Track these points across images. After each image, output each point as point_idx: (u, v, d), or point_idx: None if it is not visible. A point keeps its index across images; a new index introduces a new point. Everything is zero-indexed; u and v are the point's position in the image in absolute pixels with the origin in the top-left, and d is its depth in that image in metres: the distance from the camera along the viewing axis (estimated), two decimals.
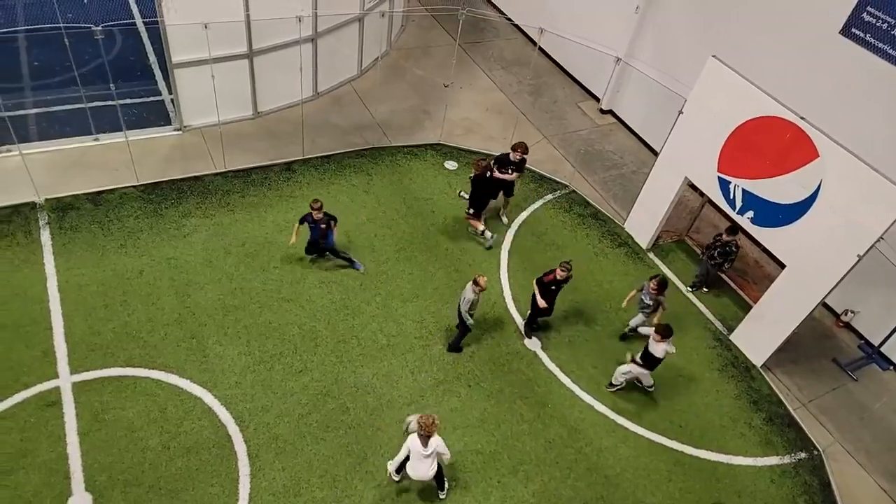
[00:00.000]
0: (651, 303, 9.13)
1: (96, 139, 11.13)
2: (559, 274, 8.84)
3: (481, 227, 10.87)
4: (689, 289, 10.72)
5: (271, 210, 10.74)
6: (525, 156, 10.55)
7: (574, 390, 8.96)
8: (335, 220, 9.62)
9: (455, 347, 9.14)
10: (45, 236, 9.54)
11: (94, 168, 10.71)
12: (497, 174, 10.54)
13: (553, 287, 8.96)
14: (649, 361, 8.45)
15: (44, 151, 10.72)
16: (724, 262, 10.18)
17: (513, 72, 15.15)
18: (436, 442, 6.79)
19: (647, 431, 8.65)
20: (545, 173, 12.50)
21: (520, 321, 9.70)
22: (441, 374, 8.84)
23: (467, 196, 11.02)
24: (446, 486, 7.54)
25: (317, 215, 9.35)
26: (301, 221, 9.49)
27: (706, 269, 10.48)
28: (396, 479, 7.53)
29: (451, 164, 12.27)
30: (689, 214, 11.61)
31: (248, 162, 11.50)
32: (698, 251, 11.35)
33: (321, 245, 9.76)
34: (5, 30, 13.06)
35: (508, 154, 10.58)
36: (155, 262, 9.56)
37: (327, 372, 8.66)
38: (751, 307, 9.94)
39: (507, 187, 10.93)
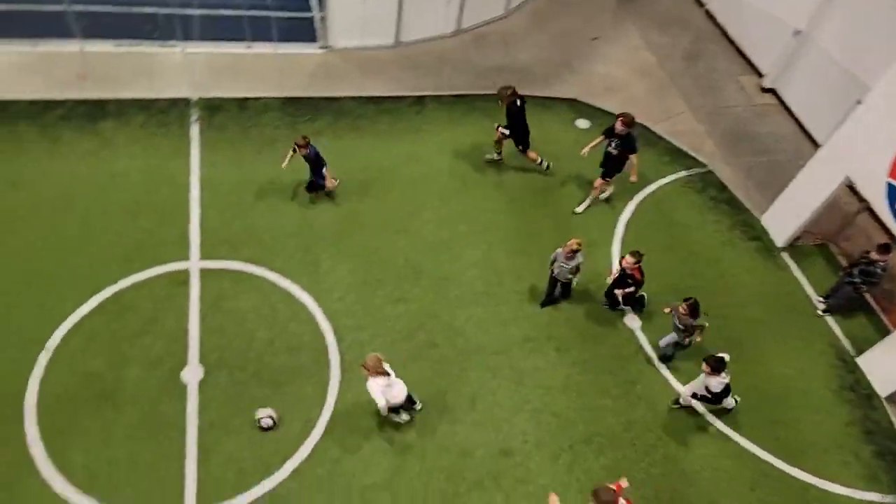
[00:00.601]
0: (682, 326, 8.37)
1: (249, 47, 11.92)
2: (624, 261, 8.51)
3: (537, 157, 10.84)
4: (819, 299, 9.89)
5: (398, 141, 11.09)
6: (630, 130, 9.69)
7: (668, 378, 8.73)
8: (324, 163, 9.59)
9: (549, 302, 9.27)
10: (195, 132, 10.52)
11: (243, 74, 11.53)
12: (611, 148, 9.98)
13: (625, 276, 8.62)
14: (712, 396, 7.87)
15: (202, 52, 11.67)
16: (863, 283, 9.23)
17: (670, 33, 14.20)
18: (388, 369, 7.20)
19: (738, 435, 8.31)
20: (683, 147, 11.82)
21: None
22: (532, 332, 8.94)
23: (506, 130, 10.62)
24: (417, 399, 7.90)
25: (301, 151, 9.32)
26: (293, 150, 9.51)
27: (842, 287, 9.56)
28: (399, 419, 7.84)
29: (582, 123, 11.92)
30: (840, 219, 10.57)
31: (383, 90, 11.86)
32: (841, 262, 10.38)
33: (314, 182, 9.82)
34: None
35: (614, 125, 9.85)
36: (285, 172, 10.28)
37: (424, 306, 9.04)
38: (889, 332, 9.04)
39: (611, 164, 10.14)
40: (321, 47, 12.37)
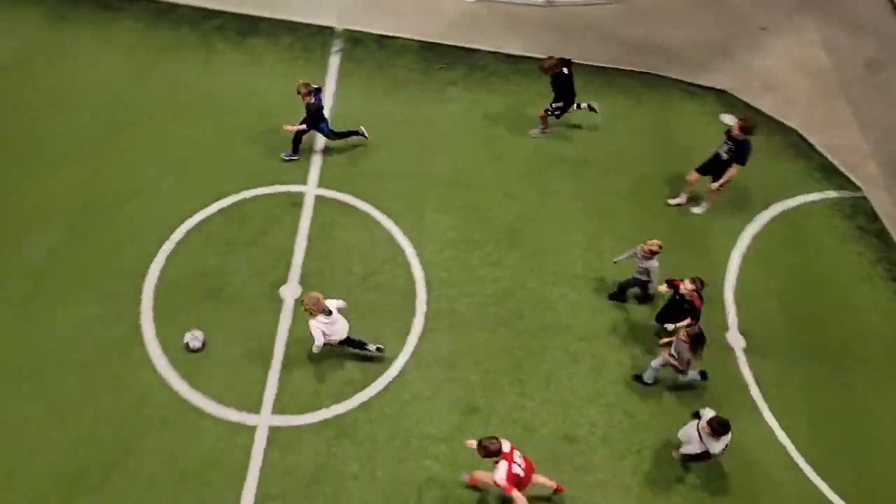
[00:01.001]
0: (675, 354, 7.50)
1: None
2: (682, 285, 7.69)
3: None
4: None
5: (527, 105, 10.84)
6: (748, 138, 8.78)
7: (761, 407, 8.15)
8: (325, 120, 9.33)
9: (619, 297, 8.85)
10: (335, 61, 10.85)
11: (389, 13, 11.66)
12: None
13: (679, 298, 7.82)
14: (704, 455, 7.12)
15: None
16: None
17: (857, 36, 12.65)
18: (334, 304, 7.27)
19: (825, 485, 7.65)
20: (838, 164, 10.67)
21: (732, 312, 8.89)
22: (622, 326, 8.63)
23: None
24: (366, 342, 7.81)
25: (305, 99, 8.97)
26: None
27: None
28: (370, 351, 7.89)
29: (728, 119, 11.02)
30: None
31: (522, 49, 11.57)
32: None
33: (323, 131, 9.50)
34: None
35: (731, 128, 8.99)
36: (411, 117, 10.41)
37: (518, 274, 8.97)
38: None
39: (714, 166, 9.28)
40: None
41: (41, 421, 7.04)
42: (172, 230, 8.61)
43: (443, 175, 9.89)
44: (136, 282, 8.14)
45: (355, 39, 11.19)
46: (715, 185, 9.38)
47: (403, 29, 11.45)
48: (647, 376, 8.09)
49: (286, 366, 7.87)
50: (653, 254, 8.06)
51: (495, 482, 6.22)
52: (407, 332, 8.31)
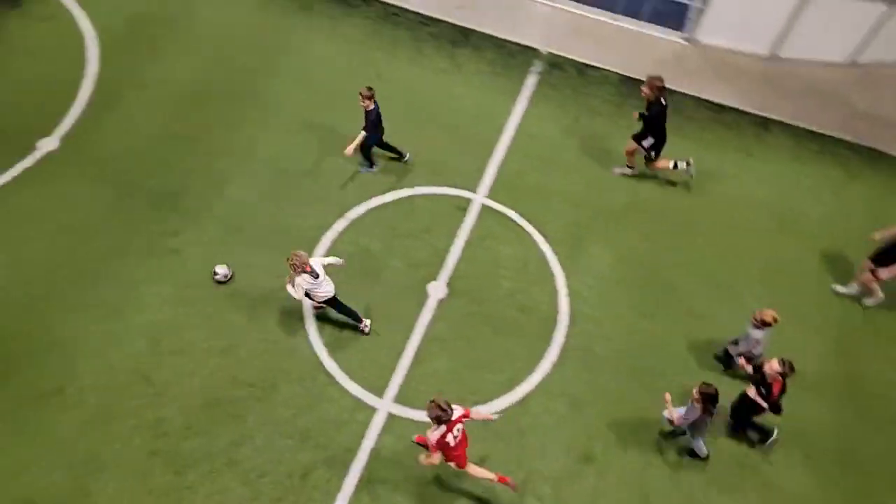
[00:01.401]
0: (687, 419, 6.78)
1: (614, 18, 11.90)
2: (768, 365, 6.85)
3: (668, 163, 9.59)
4: None
5: (722, 158, 10.23)
6: None
7: None
8: (379, 132, 9.17)
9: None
10: (531, 81, 11.03)
11: (596, 42, 11.59)
12: None
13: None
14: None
15: (567, 10, 12.00)
16: None
17: None
18: (326, 261, 7.51)
19: None
20: None
21: None
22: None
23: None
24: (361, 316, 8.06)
25: (365, 103, 8.80)
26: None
27: None
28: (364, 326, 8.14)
29: None
30: None
31: (728, 99, 10.92)
32: None
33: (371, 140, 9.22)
34: None
35: None
36: (595, 147, 10.25)
37: (667, 333, 8.48)
38: None
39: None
40: (685, 38, 11.75)
41: (203, 348, 7.98)
42: (349, 209, 9.30)
43: (614, 211, 9.62)
44: (308, 247, 8.90)
45: (556, 63, 11.29)
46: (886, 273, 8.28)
47: (607, 60, 11.33)
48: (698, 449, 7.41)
49: (418, 359, 8.12)
50: (764, 324, 7.17)
51: (427, 438, 6.40)
52: (539, 359, 8.19)
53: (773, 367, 6.84)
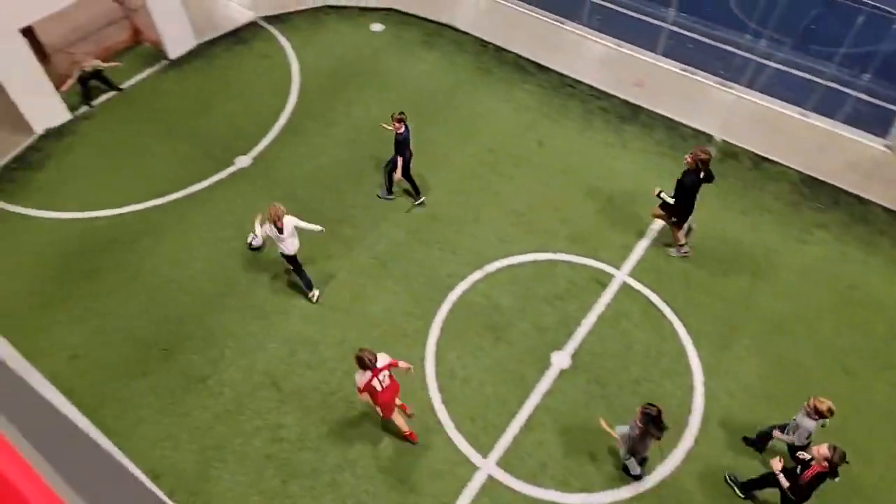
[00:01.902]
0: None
1: (803, 114, 11.16)
2: (817, 450, 6.18)
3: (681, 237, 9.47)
4: None
5: None
6: None
7: None
8: (407, 155, 9.74)
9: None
10: None
11: (779, 135, 10.91)
12: None
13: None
14: None
15: (751, 100, 11.48)
16: None
17: None
18: (290, 221, 8.29)
19: None
20: None
21: None
22: None
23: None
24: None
25: (396, 126, 9.47)
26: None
27: None
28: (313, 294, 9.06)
29: None
30: None
31: None
32: None
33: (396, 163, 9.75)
34: None
35: None
36: (758, 244, 9.59)
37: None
38: None
39: None
40: (886, 145, 10.67)
41: (331, 367, 8.46)
42: (488, 262, 9.51)
43: (771, 316, 8.84)
44: (442, 292, 9.22)
45: (731, 153, 10.82)
46: None
47: (788, 156, 10.62)
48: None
49: (528, 426, 7.93)
50: (818, 414, 6.58)
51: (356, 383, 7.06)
52: (661, 458, 7.60)
53: (820, 451, 6.17)
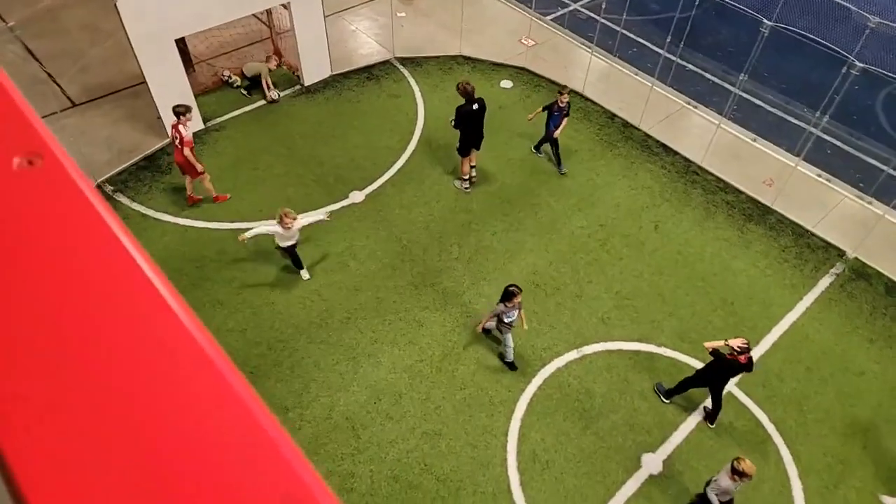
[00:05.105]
0: None
1: None
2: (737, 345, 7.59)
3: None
4: None
5: None
6: None
7: None
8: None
9: None
10: (825, 282, 10.09)
11: None
12: None
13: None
14: None
15: (885, 217, 10.88)
16: None
17: None
18: (300, 223, 9.05)
19: None
20: None
21: None
22: None
23: None
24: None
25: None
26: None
27: None
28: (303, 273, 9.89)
29: None
30: None
31: None
32: None
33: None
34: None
35: None
36: (873, 372, 8.95)
37: None
38: None
39: None
40: None
41: (412, 424, 8.38)
42: (587, 343, 9.26)
43: (890, 461, 8.13)
44: (534, 365, 9.03)
45: (862, 273, 10.22)
46: None
47: None
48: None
49: None
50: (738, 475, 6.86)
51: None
52: None
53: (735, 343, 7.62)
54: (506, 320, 8.53)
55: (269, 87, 12.42)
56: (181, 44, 11.59)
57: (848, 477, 8.04)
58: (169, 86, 11.13)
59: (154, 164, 11.43)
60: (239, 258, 10.03)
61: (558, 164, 11.59)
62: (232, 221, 10.55)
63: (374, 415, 8.43)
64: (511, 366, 8.99)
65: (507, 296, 8.30)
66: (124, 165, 11.26)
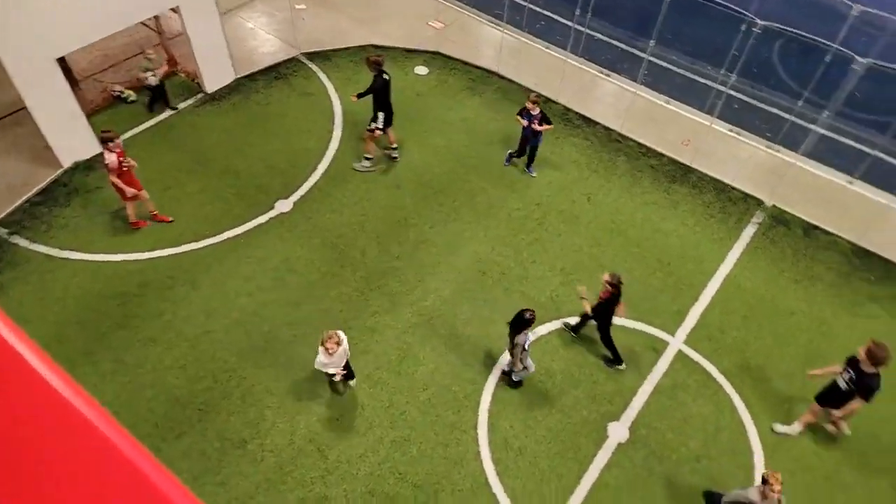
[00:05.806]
0: None
1: (850, 182, 11.31)
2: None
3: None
4: None
5: None
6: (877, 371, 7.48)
7: None
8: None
9: None
10: (749, 231, 10.69)
11: (830, 204, 11.04)
12: None
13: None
14: None
15: (800, 167, 11.61)
16: None
17: None
18: (342, 350, 7.76)
19: None
20: None
21: None
22: None
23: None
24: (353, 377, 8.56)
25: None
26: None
27: None
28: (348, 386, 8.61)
29: None
30: None
31: None
32: None
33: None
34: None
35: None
36: (810, 314, 9.58)
37: None
38: None
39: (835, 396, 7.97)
40: None
41: (379, 434, 8.19)
42: (541, 324, 9.30)
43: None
44: (492, 354, 9.02)
45: (781, 219, 10.87)
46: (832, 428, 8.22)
47: (842, 227, 10.69)
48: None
49: (588, 499, 7.71)
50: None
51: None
52: None
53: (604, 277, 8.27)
54: (527, 347, 8.13)
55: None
56: (62, 62, 10.54)
57: (796, 414, 8.55)
58: (55, 109, 10.13)
59: (50, 198, 10.40)
60: (164, 287, 9.36)
61: (529, 164, 11.33)
62: (151, 250, 9.81)
63: (338, 432, 8.16)
64: (518, 384, 8.78)
65: (528, 322, 7.83)
66: (17, 203, 10.19)
